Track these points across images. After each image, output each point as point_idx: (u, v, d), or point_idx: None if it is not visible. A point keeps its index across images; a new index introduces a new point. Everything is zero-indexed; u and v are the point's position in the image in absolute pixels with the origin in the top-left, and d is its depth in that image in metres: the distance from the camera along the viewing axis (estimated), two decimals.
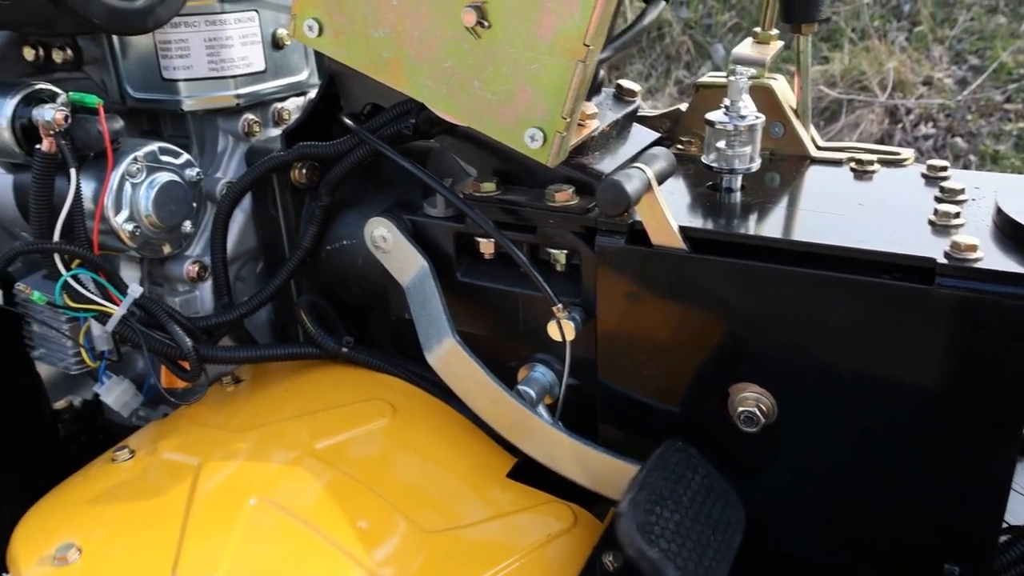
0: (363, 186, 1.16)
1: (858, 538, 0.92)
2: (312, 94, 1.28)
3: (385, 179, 1.17)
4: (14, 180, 1.17)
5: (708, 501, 0.91)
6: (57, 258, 1.03)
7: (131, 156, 1.06)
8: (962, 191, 0.93)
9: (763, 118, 0.96)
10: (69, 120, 1.01)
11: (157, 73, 1.16)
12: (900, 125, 3.73)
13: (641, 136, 1.09)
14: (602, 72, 1.06)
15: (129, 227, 1.07)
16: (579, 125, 0.96)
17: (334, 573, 0.85)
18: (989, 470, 0.82)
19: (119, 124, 1.05)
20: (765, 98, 1.05)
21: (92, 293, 1.05)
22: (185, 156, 1.13)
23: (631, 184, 0.82)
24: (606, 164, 1.00)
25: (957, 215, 0.86)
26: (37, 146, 1.01)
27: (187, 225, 1.14)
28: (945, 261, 0.79)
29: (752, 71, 0.94)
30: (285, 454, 0.98)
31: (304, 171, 1.13)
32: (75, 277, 1.04)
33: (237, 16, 1.15)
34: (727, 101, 0.96)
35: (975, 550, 0.85)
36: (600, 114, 1.00)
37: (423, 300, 1.03)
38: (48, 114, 1.00)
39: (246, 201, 1.19)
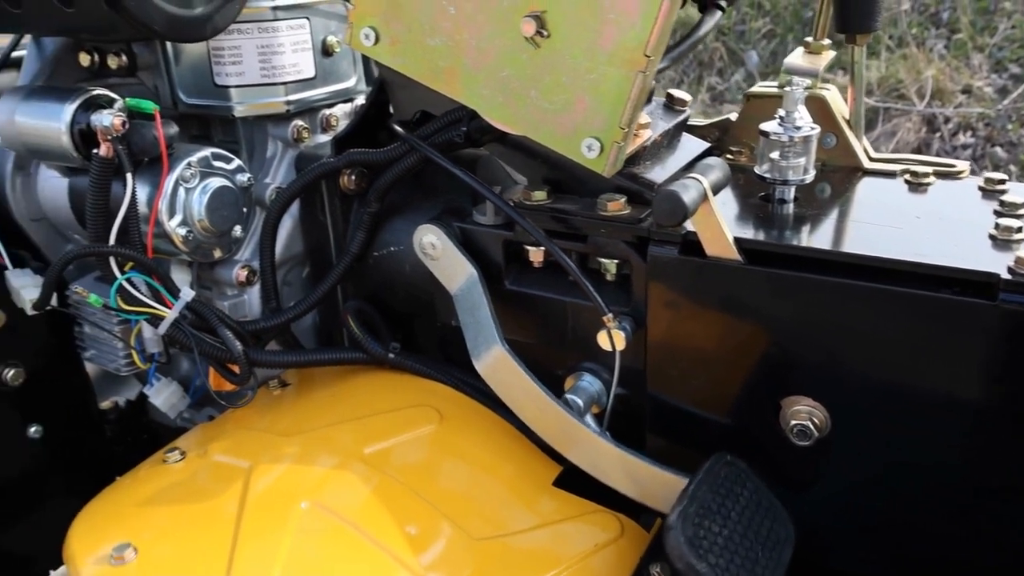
0: (411, 193, 1.17)
1: (909, 555, 0.91)
2: (359, 100, 1.29)
3: (432, 186, 1.18)
4: (69, 183, 1.19)
5: (757, 516, 0.90)
6: (112, 261, 1.04)
7: (185, 161, 1.08)
8: (1023, 205, 0.91)
9: (818, 129, 0.95)
10: (127, 125, 1.03)
11: (209, 79, 1.17)
12: (938, 134, 3.68)
13: (691, 146, 1.08)
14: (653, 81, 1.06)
15: (182, 231, 1.08)
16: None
17: None
18: None
19: (174, 130, 1.06)
20: (818, 108, 1.05)
21: (145, 296, 1.06)
22: (236, 161, 1.14)
23: (688, 195, 0.82)
24: (657, 174, 1.00)
25: (1020, 229, 0.85)
26: (95, 151, 1.03)
27: (237, 230, 1.15)
28: (1009, 276, 0.78)
29: (808, 82, 0.94)
30: (334, 458, 0.99)
31: (353, 177, 1.14)
32: (129, 280, 1.05)
33: (289, 24, 1.16)
34: (782, 112, 0.95)
35: None
36: (652, 123, 1.00)
37: (471, 308, 1.03)
38: (107, 119, 1.02)
39: (294, 206, 1.20)
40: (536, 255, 1.03)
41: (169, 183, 1.07)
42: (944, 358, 0.82)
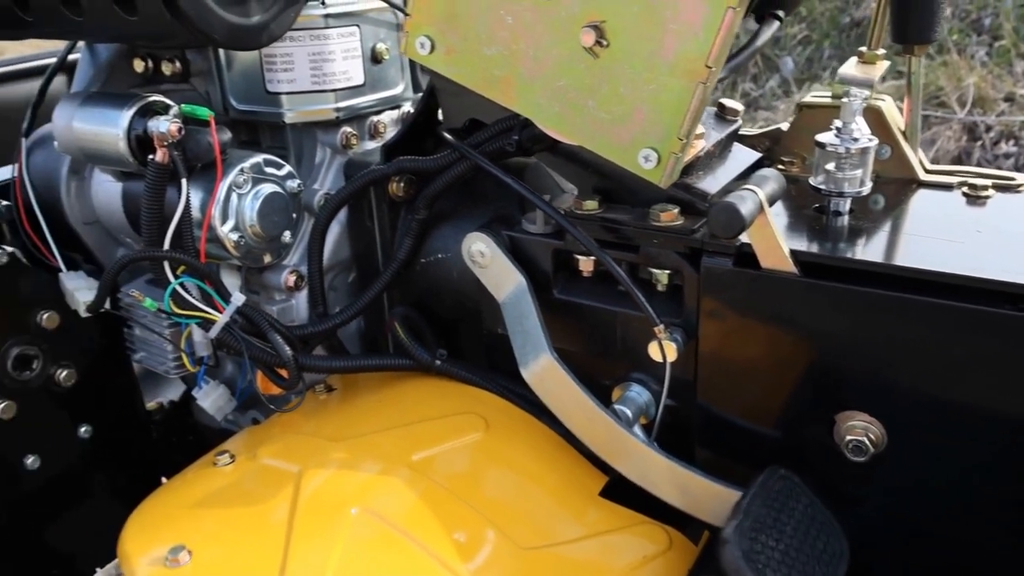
0: (460, 200, 1.17)
1: (966, 573, 0.89)
2: (406, 107, 1.29)
3: (481, 193, 1.18)
4: (123, 188, 1.21)
5: (812, 531, 0.89)
6: (166, 265, 1.06)
7: (238, 167, 1.09)
8: None
9: (876, 141, 0.94)
10: (182, 132, 1.04)
11: (261, 86, 1.19)
12: (979, 143, 3.63)
13: (743, 156, 1.08)
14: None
15: (234, 236, 1.09)
16: None
17: None
18: None
19: (228, 136, 1.08)
20: (873, 119, 1.03)
21: (197, 300, 1.07)
22: (287, 168, 1.15)
23: (745, 206, 0.81)
24: (709, 184, 0.99)
25: None
26: (151, 156, 1.05)
27: (286, 235, 1.16)
28: None
29: (867, 92, 0.93)
30: (382, 464, 0.99)
31: (402, 184, 1.15)
32: (181, 284, 1.07)
33: (340, 31, 1.17)
34: (838, 123, 0.94)
35: None
36: (705, 134, 1.00)
37: (519, 316, 1.03)
38: (163, 126, 1.03)
39: (342, 212, 1.21)
40: (586, 264, 1.02)
41: (222, 189, 1.08)
42: (1004, 374, 0.81)
